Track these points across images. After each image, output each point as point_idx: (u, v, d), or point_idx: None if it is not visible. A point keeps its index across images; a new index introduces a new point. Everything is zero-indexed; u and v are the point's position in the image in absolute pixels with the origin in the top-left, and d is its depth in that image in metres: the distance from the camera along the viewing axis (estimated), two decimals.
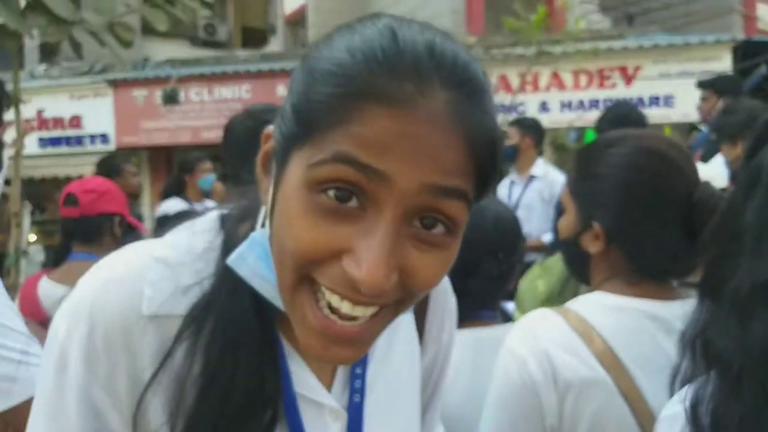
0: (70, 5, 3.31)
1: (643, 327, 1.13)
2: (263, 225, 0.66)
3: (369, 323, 0.58)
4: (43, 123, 9.76)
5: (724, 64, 7.22)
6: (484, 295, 1.53)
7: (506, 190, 4.34)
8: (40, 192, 9.10)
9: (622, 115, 3.09)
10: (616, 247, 1.19)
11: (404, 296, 0.58)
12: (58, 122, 9.72)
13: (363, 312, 0.57)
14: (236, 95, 9.69)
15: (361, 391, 0.73)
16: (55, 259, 2.30)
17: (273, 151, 0.62)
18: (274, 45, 13.09)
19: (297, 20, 12.58)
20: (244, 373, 0.64)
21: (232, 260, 0.64)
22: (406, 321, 0.82)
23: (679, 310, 1.15)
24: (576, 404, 1.09)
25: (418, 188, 0.54)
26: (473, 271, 1.51)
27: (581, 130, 7.90)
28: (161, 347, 0.65)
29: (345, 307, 0.56)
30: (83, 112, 9.57)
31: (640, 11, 10.67)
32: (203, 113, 9.75)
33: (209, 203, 4.53)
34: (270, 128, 0.63)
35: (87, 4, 3.46)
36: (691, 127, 4.53)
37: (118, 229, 2.34)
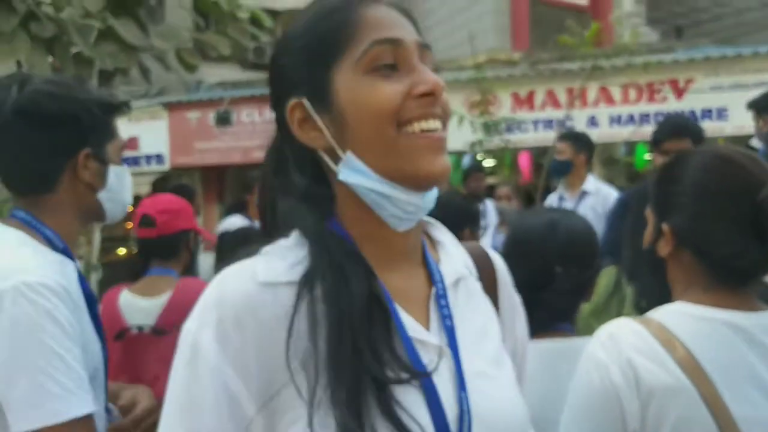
0: (139, 33, 3.48)
1: (724, 336, 1.16)
2: (335, 162, 0.84)
3: (443, 134, 0.84)
4: None
5: None
6: (559, 307, 1.56)
7: (556, 205, 4.34)
8: None
9: (680, 126, 3.10)
10: (686, 249, 1.23)
11: (443, 116, 0.84)
12: None
13: (439, 125, 0.83)
14: None
15: (452, 331, 0.87)
16: (134, 274, 2.41)
17: (305, 108, 0.83)
18: None
19: None
20: (361, 311, 0.77)
21: (343, 175, 0.82)
22: (483, 300, 0.96)
23: (760, 321, 1.18)
24: (659, 411, 1.12)
25: (415, 45, 0.83)
26: (545, 284, 1.54)
27: (632, 144, 7.82)
28: (280, 313, 0.77)
29: (431, 123, 0.82)
30: (140, 133, 9.88)
31: (689, 23, 10.52)
32: (254, 134, 9.96)
33: None
34: (292, 102, 0.84)
35: (154, 31, 3.62)
36: (746, 146, 4.45)
37: (192, 244, 2.45)
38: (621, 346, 1.17)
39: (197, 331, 0.77)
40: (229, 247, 3.01)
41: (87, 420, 1.21)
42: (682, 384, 1.12)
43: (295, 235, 0.85)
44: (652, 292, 1.94)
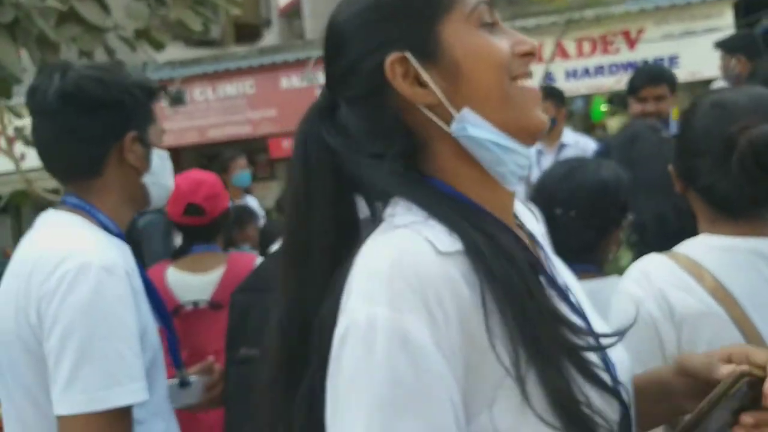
0: (102, 13, 3.38)
1: (748, 262, 1.23)
2: (445, 120, 0.80)
3: None
4: None
5: (726, 20, 7.27)
6: (568, 247, 1.63)
7: (534, 158, 4.45)
8: (36, 205, 9.15)
9: (657, 73, 3.21)
10: (690, 186, 1.31)
11: None
12: None
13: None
14: (240, 91, 9.72)
15: (567, 286, 0.89)
16: (176, 253, 2.42)
17: (409, 63, 0.79)
18: (269, 39, 13.07)
19: (292, 12, 12.58)
20: (532, 280, 0.75)
21: (471, 131, 0.79)
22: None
23: None
24: (692, 335, 1.19)
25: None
26: (549, 223, 1.62)
27: (588, 98, 7.97)
28: (467, 285, 0.71)
29: (530, 82, 0.83)
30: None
31: None
32: (209, 112, 9.79)
33: (250, 199, 4.58)
34: (392, 56, 0.79)
35: (118, 10, 3.52)
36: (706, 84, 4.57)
37: (230, 218, 2.53)
38: (653, 280, 1.24)
39: (395, 316, 0.67)
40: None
41: (125, 411, 1.20)
42: (713, 309, 1.19)
43: (408, 205, 0.79)
44: (643, 226, 2.04)
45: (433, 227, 0.75)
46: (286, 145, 9.79)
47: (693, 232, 1.34)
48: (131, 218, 1.48)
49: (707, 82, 6.00)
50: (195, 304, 2.25)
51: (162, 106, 9.50)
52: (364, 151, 0.81)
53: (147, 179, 1.43)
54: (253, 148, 8.21)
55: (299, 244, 0.83)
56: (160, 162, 1.44)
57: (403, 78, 0.79)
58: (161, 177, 1.45)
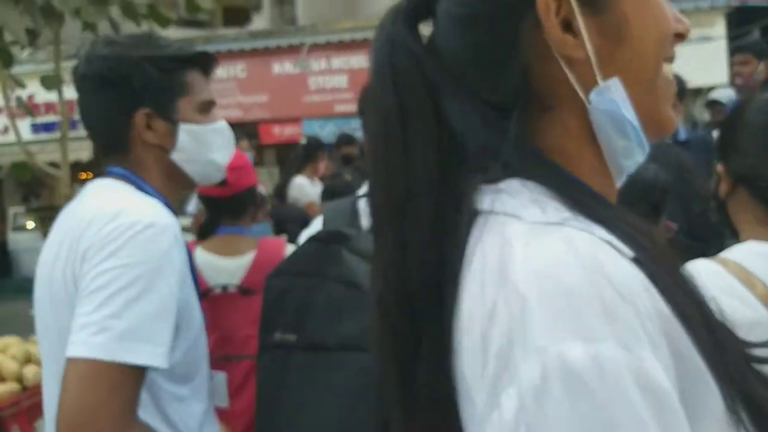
0: None
1: None
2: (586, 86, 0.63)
3: None
4: (35, 108, 9.58)
5: (717, 30, 7.37)
6: None
7: None
8: (33, 178, 8.95)
9: None
10: (741, 185, 1.30)
11: None
12: (50, 107, 9.56)
13: None
14: (231, 74, 9.62)
15: None
16: (202, 234, 2.33)
17: (567, 3, 0.61)
18: (258, 23, 12.93)
19: None
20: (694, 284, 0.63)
21: (612, 107, 0.62)
22: None
23: None
24: None
25: None
26: None
27: None
28: (656, 294, 0.56)
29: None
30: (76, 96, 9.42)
31: None
32: None
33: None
34: None
35: None
36: (710, 101, 4.52)
37: (257, 199, 2.41)
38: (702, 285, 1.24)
39: (627, 354, 0.49)
40: None
41: (136, 372, 1.10)
42: (764, 318, 1.19)
43: (541, 194, 0.60)
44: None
45: (594, 227, 0.57)
46: (277, 131, 9.71)
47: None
48: (178, 197, 1.42)
49: (696, 91, 6.05)
50: (224, 288, 2.19)
51: None
52: (460, 85, 0.64)
53: (176, 157, 1.35)
54: (242, 133, 8.13)
55: (395, 191, 0.62)
56: (191, 137, 1.35)
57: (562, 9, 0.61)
58: (195, 153, 1.36)
